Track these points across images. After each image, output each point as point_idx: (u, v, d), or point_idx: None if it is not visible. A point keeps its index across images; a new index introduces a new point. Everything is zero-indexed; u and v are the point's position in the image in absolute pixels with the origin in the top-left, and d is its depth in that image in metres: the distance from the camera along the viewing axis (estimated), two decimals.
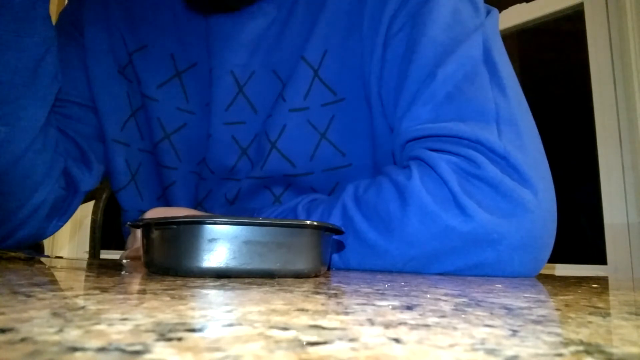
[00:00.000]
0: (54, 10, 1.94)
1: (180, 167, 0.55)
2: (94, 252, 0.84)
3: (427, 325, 0.12)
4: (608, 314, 0.15)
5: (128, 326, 0.10)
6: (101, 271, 0.27)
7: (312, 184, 0.50)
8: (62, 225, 0.56)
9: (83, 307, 0.12)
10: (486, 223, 0.34)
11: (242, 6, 0.50)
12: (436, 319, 0.13)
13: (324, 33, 0.48)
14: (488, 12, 0.45)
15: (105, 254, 0.90)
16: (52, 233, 0.55)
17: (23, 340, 0.09)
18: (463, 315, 0.13)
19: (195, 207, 0.56)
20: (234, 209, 0.53)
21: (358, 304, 0.15)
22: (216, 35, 0.52)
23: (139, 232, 0.43)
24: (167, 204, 0.58)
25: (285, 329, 0.11)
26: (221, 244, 0.24)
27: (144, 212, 0.47)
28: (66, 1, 0.62)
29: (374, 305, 0.15)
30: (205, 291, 0.18)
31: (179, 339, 0.09)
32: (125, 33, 0.55)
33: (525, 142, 0.38)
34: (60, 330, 0.09)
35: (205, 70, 0.53)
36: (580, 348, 0.10)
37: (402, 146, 0.42)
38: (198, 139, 0.55)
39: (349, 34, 0.48)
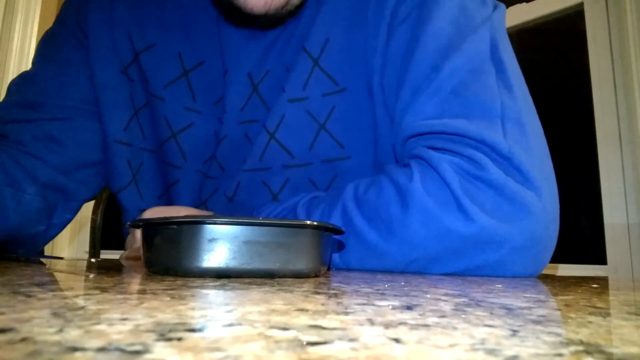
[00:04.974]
0: (55, 6, 1.94)
1: (184, 166, 0.55)
2: (94, 252, 0.84)
3: (427, 325, 0.12)
4: (608, 314, 0.15)
5: (128, 326, 0.10)
6: (101, 271, 0.27)
7: (311, 175, 0.50)
8: (60, 223, 0.56)
9: (83, 307, 0.12)
10: (488, 226, 0.34)
11: (274, 27, 0.50)
12: (436, 319, 0.13)
13: (326, 22, 0.48)
14: (495, 7, 0.45)
15: (106, 254, 0.90)
16: (53, 236, 0.56)
17: (23, 340, 0.09)
18: (463, 315, 0.13)
19: (198, 206, 0.56)
20: (233, 207, 0.52)
21: (358, 304, 0.15)
22: (231, 37, 0.51)
23: (138, 232, 0.43)
24: (170, 202, 0.58)
25: (285, 329, 0.11)
26: (221, 244, 0.24)
27: (144, 211, 0.47)
28: None
29: (374, 305, 0.15)
30: (205, 291, 0.18)
31: (179, 339, 0.09)
32: (132, 32, 0.55)
33: (530, 142, 0.38)
34: (60, 330, 0.09)
35: (214, 68, 0.53)
36: (580, 348, 0.10)
37: (404, 141, 0.42)
38: (205, 138, 0.54)
39: (353, 24, 0.47)
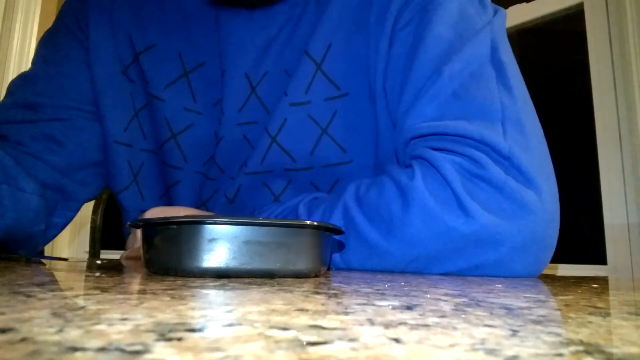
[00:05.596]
0: (55, 6, 1.94)
1: (185, 167, 0.55)
2: (94, 252, 0.84)
3: (427, 325, 0.12)
4: (608, 314, 0.15)
5: (128, 326, 0.10)
6: (101, 271, 0.27)
7: (312, 179, 0.50)
8: (60, 223, 0.56)
9: (83, 307, 0.12)
10: (489, 224, 0.34)
11: (260, 5, 0.50)
12: (436, 319, 0.13)
13: (329, 27, 0.48)
14: (495, 11, 0.45)
15: (106, 254, 0.90)
16: (53, 236, 0.56)
17: (23, 340, 0.09)
18: (463, 315, 0.13)
19: (198, 207, 0.56)
20: (234, 208, 0.52)
21: (358, 304, 0.15)
22: (229, 38, 0.51)
23: (139, 232, 0.43)
24: (170, 203, 0.58)
25: (285, 329, 0.11)
26: (221, 244, 0.24)
27: (144, 211, 0.47)
28: None
29: (374, 305, 0.15)
30: (205, 291, 0.18)
31: (179, 339, 0.09)
32: (132, 33, 0.55)
33: (530, 143, 0.38)
34: (60, 330, 0.09)
35: (214, 69, 0.53)
36: (580, 348, 0.10)
37: (406, 143, 0.42)
38: (205, 139, 0.54)
39: (355, 29, 0.48)
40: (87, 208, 0.87)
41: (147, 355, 0.08)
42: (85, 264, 0.37)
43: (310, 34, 0.49)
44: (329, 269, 0.37)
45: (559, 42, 1.34)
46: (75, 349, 0.08)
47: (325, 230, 0.28)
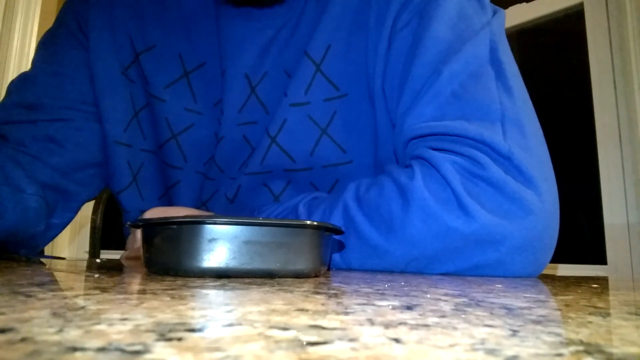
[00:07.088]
0: (55, 6, 1.94)
1: (185, 167, 0.55)
2: (94, 252, 0.84)
3: (427, 325, 0.12)
4: (608, 314, 0.15)
5: (128, 326, 0.10)
6: (101, 271, 0.27)
7: (312, 179, 0.50)
8: (60, 224, 0.56)
9: (83, 307, 0.12)
10: (489, 224, 0.34)
11: (271, 5, 0.50)
12: (436, 319, 0.13)
13: (329, 28, 0.48)
14: (494, 12, 0.45)
15: (106, 254, 0.90)
16: (53, 236, 0.56)
17: (23, 340, 0.09)
18: (463, 315, 0.13)
19: (198, 207, 0.56)
20: (234, 208, 0.52)
21: (358, 304, 0.15)
22: (229, 38, 0.52)
23: (138, 232, 0.43)
24: (170, 203, 0.58)
25: (285, 329, 0.11)
26: (221, 244, 0.24)
27: (144, 212, 0.47)
28: None
29: (374, 305, 0.15)
30: (205, 291, 0.18)
31: (179, 339, 0.09)
32: (133, 33, 0.55)
33: (529, 143, 0.38)
34: (60, 330, 0.09)
35: (214, 70, 0.53)
36: (580, 348, 0.10)
37: (405, 144, 0.42)
38: (205, 139, 0.54)
39: (355, 29, 0.48)
40: (87, 208, 0.87)
41: (147, 355, 0.08)
42: (84, 264, 0.37)
43: (309, 35, 0.49)
44: (329, 269, 0.37)
45: (559, 42, 1.34)
46: (75, 349, 0.08)
47: (325, 230, 0.28)
